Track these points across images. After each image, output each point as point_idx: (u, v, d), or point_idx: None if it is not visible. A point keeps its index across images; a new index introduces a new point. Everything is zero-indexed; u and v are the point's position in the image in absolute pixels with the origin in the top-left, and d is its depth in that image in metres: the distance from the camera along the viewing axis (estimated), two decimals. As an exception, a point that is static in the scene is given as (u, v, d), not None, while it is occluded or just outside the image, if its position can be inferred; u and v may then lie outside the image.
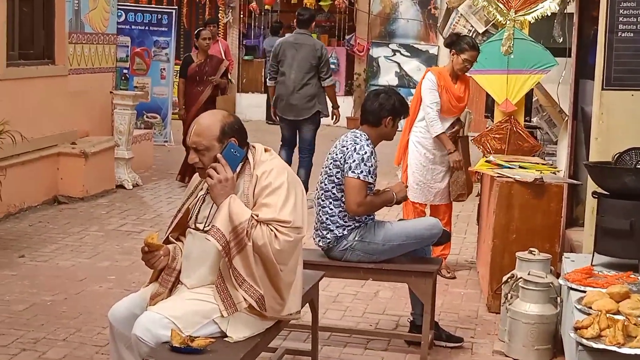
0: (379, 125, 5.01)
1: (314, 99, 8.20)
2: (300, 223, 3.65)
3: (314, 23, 8.94)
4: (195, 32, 9.80)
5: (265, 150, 3.81)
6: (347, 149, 4.89)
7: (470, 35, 9.26)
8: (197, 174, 3.80)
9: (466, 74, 6.99)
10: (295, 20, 8.86)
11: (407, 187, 5.46)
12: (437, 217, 6.03)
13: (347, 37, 18.08)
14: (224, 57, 11.56)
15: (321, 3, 17.20)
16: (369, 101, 5.14)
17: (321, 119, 8.60)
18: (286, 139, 8.60)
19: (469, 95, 6.67)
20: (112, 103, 10.27)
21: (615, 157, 4.68)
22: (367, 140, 4.90)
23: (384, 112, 5.00)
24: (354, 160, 4.82)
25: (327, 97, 8.39)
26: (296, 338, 5.01)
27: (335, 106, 8.62)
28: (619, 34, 5.01)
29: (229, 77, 10.31)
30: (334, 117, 8.76)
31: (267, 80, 8.91)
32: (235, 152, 3.64)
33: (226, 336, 3.56)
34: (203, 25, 11.74)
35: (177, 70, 11.24)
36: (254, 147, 3.77)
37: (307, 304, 4.32)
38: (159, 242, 3.69)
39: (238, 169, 3.68)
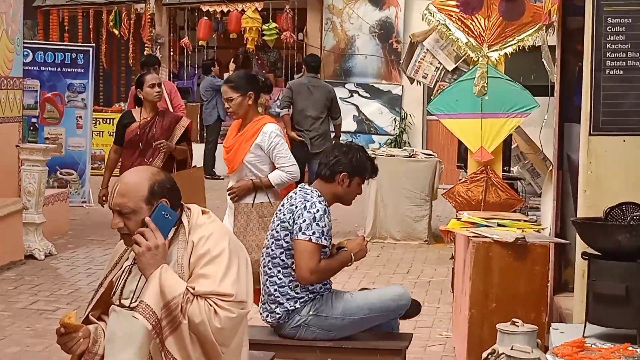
0: (332, 181, 5.04)
1: (323, 136, 10.76)
2: (245, 296, 3.60)
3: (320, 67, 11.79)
4: (137, 78, 8.57)
5: (203, 213, 3.80)
6: (296, 207, 4.92)
7: (438, 73, 9.61)
8: (121, 241, 3.75)
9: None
10: (303, 64, 11.62)
11: (367, 242, 5.44)
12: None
13: (295, 76, 17.75)
14: (168, 105, 10.62)
15: (265, 38, 17.22)
16: (326, 153, 5.23)
17: None
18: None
19: (244, 145, 6.38)
20: (19, 159, 10.21)
21: (606, 212, 4.59)
22: (319, 197, 4.94)
23: (339, 166, 5.03)
24: (304, 220, 4.84)
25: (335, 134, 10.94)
26: None
27: None
28: (607, 72, 4.98)
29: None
30: None
31: (281, 109, 11.28)
32: (166, 214, 3.60)
33: None
34: (142, 66, 10.99)
35: (96, 118, 11.05)
36: (189, 209, 3.76)
37: None
38: (77, 322, 3.62)
39: (170, 235, 3.65)
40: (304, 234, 4.83)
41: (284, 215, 5.01)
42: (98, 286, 3.82)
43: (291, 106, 11.18)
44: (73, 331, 3.61)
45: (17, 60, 10.58)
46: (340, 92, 16.79)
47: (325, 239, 4.87)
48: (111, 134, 11.52)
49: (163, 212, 3.59)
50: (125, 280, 3.73)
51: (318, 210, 4.87)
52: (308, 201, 4.94)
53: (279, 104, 11.54)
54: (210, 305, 3.48)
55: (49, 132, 13.36)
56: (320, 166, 5.20)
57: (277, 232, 5.00)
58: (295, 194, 5.12)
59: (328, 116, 10.90)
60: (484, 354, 4.87)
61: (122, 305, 3.67)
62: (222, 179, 16.31)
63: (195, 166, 8.05)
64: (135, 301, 3.58)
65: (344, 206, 5.65)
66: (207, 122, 17.13)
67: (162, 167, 7.16)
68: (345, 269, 5.44)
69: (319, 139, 10.75)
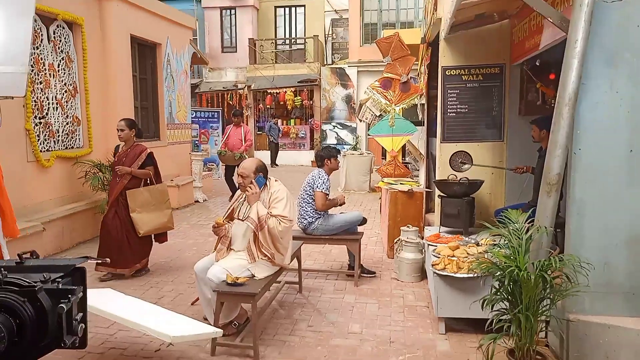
0: (324, 165, 5.39)
1: None
2: (292, 218, 3.87)
3: None
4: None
5: (275, 180, 4.02)
6: (315, 176, 5.27)
7: (372, 116, 9.50)
8: (239, 189, 4.03)
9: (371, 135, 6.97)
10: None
11: (344, 196, 5.46)
12: None
13: (309, 119, 20.06)
14: (243, 140, 9.95)
15: (296, 103, 18.80)
16: (316, 155, 5.50)
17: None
18: None
19: None
20: (190, 158, 11.20)
21: (451, 157, 5.25)
22: (325, 173, 5.30)
23: (321, 157, 5.40)
24: (319, 182, 5.19)
25: None
26: (290, 275, 5.42)
27: None
28: (448, 113, 5.56)
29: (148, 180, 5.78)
30: None
31: None
32: (261, 179, 3.85)
33: (254, 276, 3.85)
34: (233, 116, 10.11)
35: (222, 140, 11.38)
36: (269, 178, 4.01)
37: (295, 257, 4.82)
38: (222, 221, 3.99)
39: (262, 188, 3.88)
40: (319, 188, 5.12)
41: (309, 180, 5.25)
42: (228, 209, 4.16)
43: None
44: (221, 225, 3.97)
45: (189, 115, 11.53)
46: (328, 126, 19.08)
47: (328, 190, 5.15)
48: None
49: (260, 178, 3.85)
50: (241, 207, 4.02)
51: (324, 179, 5.20)
52: (320, 174, 5.26)
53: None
54: (278, 220, 3.77)
55: (203, 147, 14.08)
56: (316, 160, 5.45)
57: (305, 189, 5.26)
58: (314, 172, 5.28)
59: None
60: (395, 240, 5.67)
61: (239, 219, 3.99)
62: (277, 166, 18.72)
63: (160, 182, 5.99)
64: (245, 217, 3.88)
65: (334, 174, 5.82)
66: (270, 140, 18.43)
67: (128, 183, 5.74)
68: (337, 208, 5.54)
69: None
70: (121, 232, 5.59)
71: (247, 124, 18.52)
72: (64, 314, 1.48)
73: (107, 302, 3.67)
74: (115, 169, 5.77)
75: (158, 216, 5.67)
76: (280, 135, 19.46)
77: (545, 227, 3.26)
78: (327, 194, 5.16)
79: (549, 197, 3.26)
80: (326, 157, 5.40)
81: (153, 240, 5.83)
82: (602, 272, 3.38)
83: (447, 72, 5.49)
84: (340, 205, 5.36)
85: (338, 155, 5.50)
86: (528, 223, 3.33)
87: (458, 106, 5.53)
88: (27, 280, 1.51)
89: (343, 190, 11.83)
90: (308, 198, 5.23)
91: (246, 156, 9.44)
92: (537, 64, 5.17)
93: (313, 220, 5.24)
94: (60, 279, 1.55)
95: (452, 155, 5.29)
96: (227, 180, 9.99)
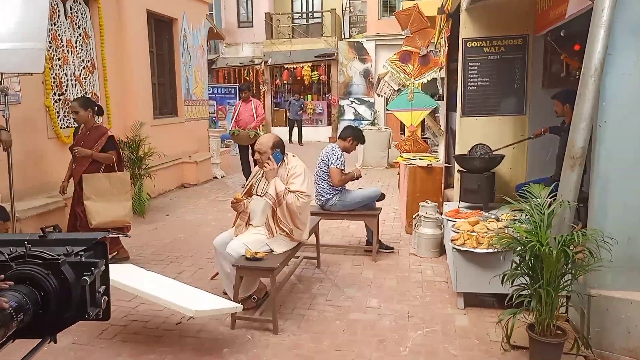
0: (345, 140, 5.44)
1: None
2: (310, 193, 3.98)
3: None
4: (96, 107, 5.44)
5: (293, 156, 4.14)
6: (328, 152, 5.33)
7: (390, 91, 9.62)
8: (257, 166, 4.14)
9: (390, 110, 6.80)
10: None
11: (359, 170, 5.59)
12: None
13: (327, 95, 20.29)
14: (254, 114, 9.31)
15: (313, 78, 19.12)
16: (345, 128, 5.60)
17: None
18: None
19: None
20: (208, 135, 11.55)
21: (469, 150, 5.26)
22: (338, 148, 5.35)
23: (349, 134, 5.47)
24: (334, 158, 5.24)
25: None
26: (308, 250, 5.53)
27: None
28: (468, 87, 5.56)
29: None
30: None
31: None
32: (278, 155, 3.98)
33: (273, 251, 3.94)
34: (240, 91, 9.60)
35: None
36: (287, 154, 4.13)
37: (313, 233, 4.96)
38: (240, 197, 4.08)
39: (279, 164, 4.00)
40: (333, 164, 5.21)
41: (324, 156, 5.32)
42: (247, 185, 4.31)
43: None
44: (240, 201, 4.06)
45: (206, 92, 11.68)
46: (346, 102, 19.23)
47: (343, 166, 5.26)
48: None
49: (277, 154, 3.95)
50: (259, 183, 4.12)
51: (339, 154, 5.27)
52: (334, 149, 5.31)
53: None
54: (296, 196, 3.86)
55: (220, 123, 14.43)
56: (342, 133, 5.51)
57: (320, 165, 5.30)
58: (327, 147, 5.35)
59: None
60: (414, 216, 5.80)
61: (258, 195, 4.10)
62: (302, 145, 18.12)
63: (123, 171, 5.42)
64: (263, 192, 3.99)
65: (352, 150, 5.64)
66: (290, 117, 18.63)
67: (87, 169, 5.18)
68: (355, 183, 5.78)
69: None
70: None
71: (262, 99, 18.98)
72: (87, 287, 1.50)
73: (128, 276, 3.74)
74: (73, 149, 5.16)
75: (115, 208, 5.11)
76: (301, 111, 19.65)
77: (568, 202, 3.23)
78: (343, 169, 5.19)
79: (573, 171, 3.23)
80: (354, 137, 5.38)
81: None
82: (626, 247, 3.34)
83: (468, 44, 5.44)
84: (357, 178, 5.40)
85: (359, 145, 5.58)
86: (550, 198, 3.31)
87: (479, 79, 5.47)
88: (51, 254, 1.54)
89: (361, 166, 11.95)
90: (324, 175, 5.27)
91: (261, 133, 9.33)
92: (562, 34, 5.13)
93: (331, 196, 5.31)
94: (83, 252, 1.57)
95: (470, 149, 5.26)
96: (242, 162, 9.64)
